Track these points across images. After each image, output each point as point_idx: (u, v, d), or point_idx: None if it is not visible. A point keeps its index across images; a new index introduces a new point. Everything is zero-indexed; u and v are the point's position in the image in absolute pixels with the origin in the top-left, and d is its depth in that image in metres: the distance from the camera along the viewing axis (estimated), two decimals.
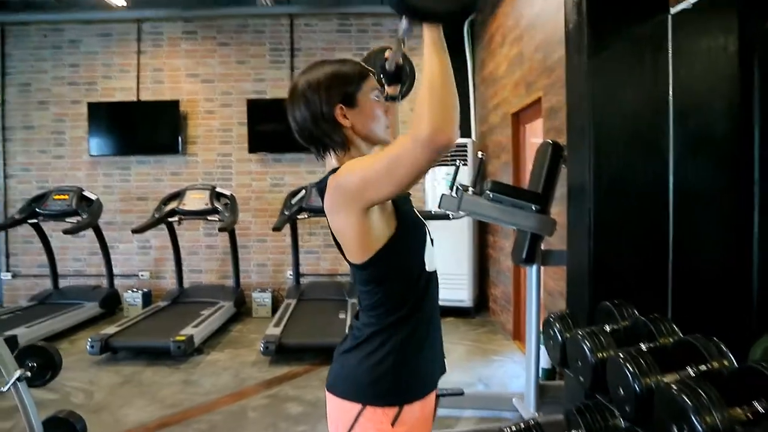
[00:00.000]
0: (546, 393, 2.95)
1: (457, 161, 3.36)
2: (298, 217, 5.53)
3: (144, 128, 6.40)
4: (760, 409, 1.21)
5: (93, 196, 5.64)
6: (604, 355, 1.67)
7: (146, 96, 6.40)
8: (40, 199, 5.59)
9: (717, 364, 1.41)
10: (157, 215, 5.52)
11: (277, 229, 5.29)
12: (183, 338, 4.27)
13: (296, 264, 5.99)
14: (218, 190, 5.69)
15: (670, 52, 2.10)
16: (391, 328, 1.16)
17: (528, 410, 2.92)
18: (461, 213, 2.77)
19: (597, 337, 1.73)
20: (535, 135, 4.33)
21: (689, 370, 1.45)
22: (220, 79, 6.42)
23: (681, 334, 1.66)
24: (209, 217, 5.65)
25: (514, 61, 4.65)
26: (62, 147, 6.45)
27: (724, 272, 1.87)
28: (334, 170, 1.13)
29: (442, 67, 0.96)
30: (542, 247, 2.90)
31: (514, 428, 2.34)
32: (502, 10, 5.04)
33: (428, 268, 1.21)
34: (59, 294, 5.88)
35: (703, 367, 1.43)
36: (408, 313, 1.17)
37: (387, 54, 1.49)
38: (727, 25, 1.82)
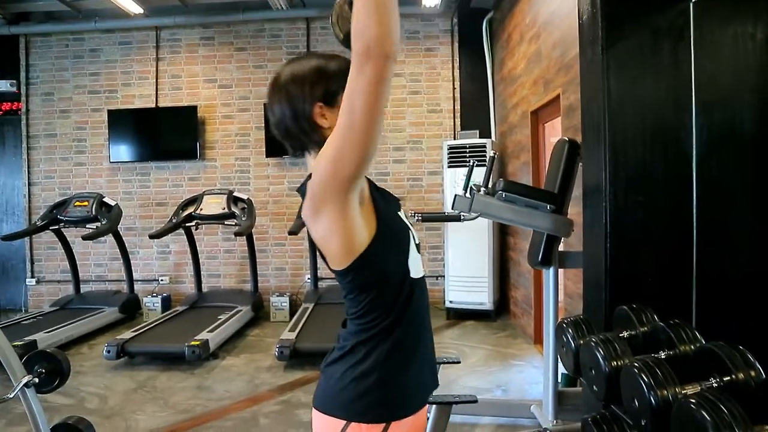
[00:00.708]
0: (566, 400, 2.84)
1: (472, 160, 3.26)
2: None
3: (163, 134, 6.47)
4: None
5: (112, 202, 5.70)
6: (619, 363, 1.56)
7: (165, 102, 6.46)
8: (61, 205, 5.67)
9: (742, 375, 1.30)
10: (174, 220, 5.54)
11: (293, 233, 5.25)
12: (198, 343, 4.25)
13: (314, 268, 5.94)
14: (235, 194, 5.68)
15: (692, 42, 2.00)
16: (375, 338, 1.09)
17: (546, 418, 2.80)
18: (473, 214, 2.67)
19: (612, 345, 1.62)
20: (554, 134, 4.22)
21: (711, 381, 1.34)
22: (238, 83, 6.45)
23: (703, 341, 1.54)
24: (226, 222, 5.64)
25: (533, 59, 4.54)
26: (83, 154, 6.55)
27: (753, 275, 1.76)
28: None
29: None
30: (560, 249, 2.79)
31: None
32: (519, 8, 4.94)
33: (414, 274, 1.13)
34: (80, 299, 5.94)
35: (726, 378, 1.32)
36: (394, 321, 1.09)
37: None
38: (756, 10, 1.71)
